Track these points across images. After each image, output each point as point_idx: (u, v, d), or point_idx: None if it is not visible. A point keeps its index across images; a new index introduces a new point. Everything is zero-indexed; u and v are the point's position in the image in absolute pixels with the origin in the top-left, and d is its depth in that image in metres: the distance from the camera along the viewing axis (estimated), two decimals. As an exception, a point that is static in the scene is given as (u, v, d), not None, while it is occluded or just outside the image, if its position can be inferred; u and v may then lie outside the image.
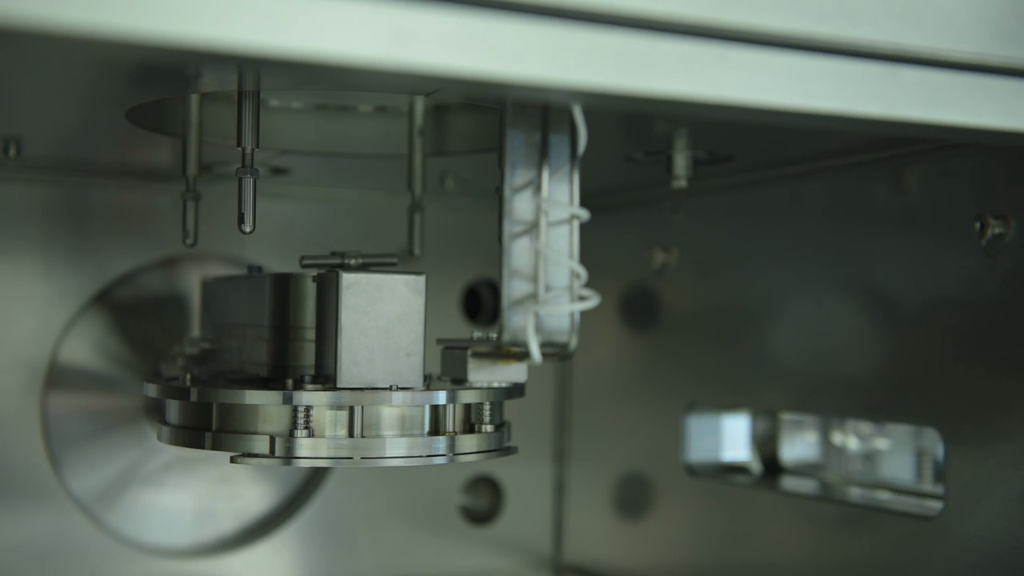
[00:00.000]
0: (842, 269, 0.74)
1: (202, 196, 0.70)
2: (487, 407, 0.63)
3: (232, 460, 0.61)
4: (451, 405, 0.62)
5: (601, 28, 0.43)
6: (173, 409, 0.66)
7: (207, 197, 0.71)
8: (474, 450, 0.62)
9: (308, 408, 0.59)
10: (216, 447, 0.62)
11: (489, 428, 0.63)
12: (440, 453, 0.61)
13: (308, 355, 0.65)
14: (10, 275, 0.83)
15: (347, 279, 0.61)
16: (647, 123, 0.65)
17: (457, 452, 0.61)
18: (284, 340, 0.66)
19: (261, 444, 0.60)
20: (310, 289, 0.65)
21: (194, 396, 0.63)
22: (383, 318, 0.61)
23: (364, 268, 0.63)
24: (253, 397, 0.60)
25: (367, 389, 0.60)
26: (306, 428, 0.59)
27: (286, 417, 0.60)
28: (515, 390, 0.64)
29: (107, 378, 0.87)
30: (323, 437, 0.60)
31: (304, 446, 0.59)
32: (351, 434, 0.60)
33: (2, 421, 0.83)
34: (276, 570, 0.90)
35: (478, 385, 0.62)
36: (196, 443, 0.63)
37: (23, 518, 0.83)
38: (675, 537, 0.88)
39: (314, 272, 0.64)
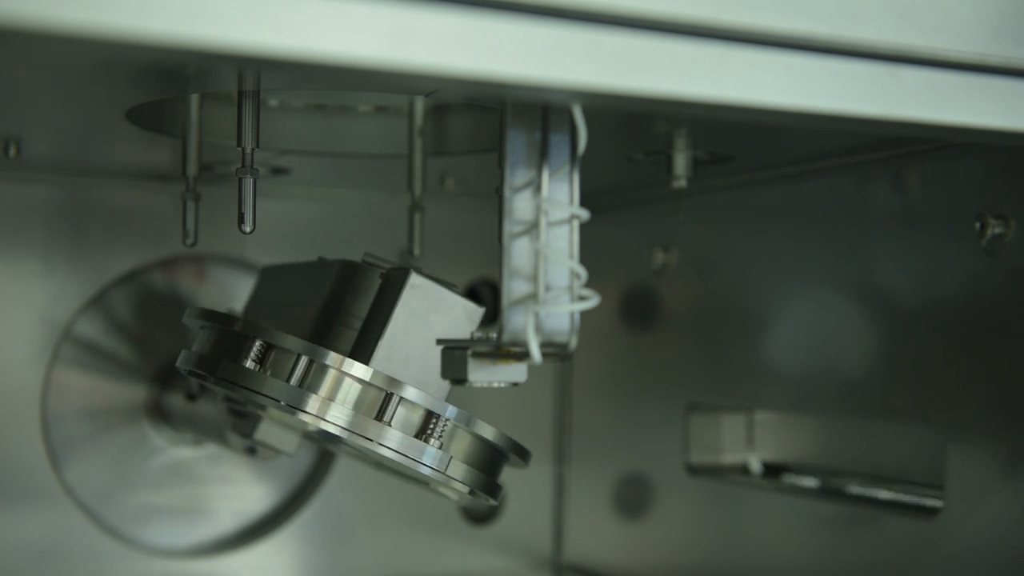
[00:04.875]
0: (842, 269, 0.74)
1: (202, 196, 0.70)
2: (487, 452, 0.62)
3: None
4: (460, 429, 0.61)
5: (601, 28, 0.43)
6: (203, 338, 0.64)
7: (207, 197, 0.71)
8: (461, 478, 0.60)
9: (326, 367, 0.59)
10: (227, 376, 0.61)
11: (482, 475, 0.62)
12: (429, 464, 0.59)
13: (347, 342, 0.64)
14: (10, 275, 0.83)
15: (415, 279, 0.62)
16: (647, 123, 0.65)
17: (447, 472, 0.60)
18: (330, 321, 0.65)
19: (274, 387, 0.59)
20: (374, 283, 0.65)
21: (236, 325, 0.61)
22: (431, 330, 0.61)
23: (432, 278, 0.63)
24: (282, 338, 0.59)
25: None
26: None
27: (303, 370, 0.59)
28: (519, 458, 0.63)
29: (107, 378, 0.87)
30: (333, 401, 0.59)
31: (313, 401, 0.58)
32: (357, 410, 0.59)
33: (2, 421, 0.83)
34: (276, 570, 0.90)
35: (487, 428, 0.61)
36: (210, 370, 0.62)
37: (23, 518, 0.83)
38: (675, 537, 0.88)
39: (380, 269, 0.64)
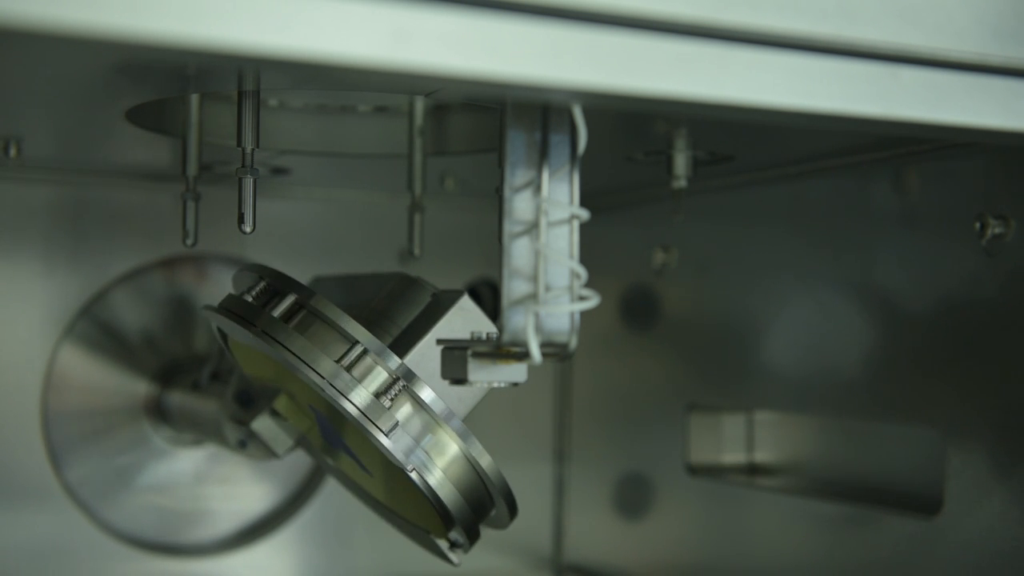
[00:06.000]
0: (842, 269, 0.74)
1: (202, 196, 0.70)
2: (484, 487, 0.61)
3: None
4: (464, 453, 0.61)
5: (601, 28, 0.43)
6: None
7: (207, 197, 0.71)
8: (449, 499, 0.60)
9: (364, 350, 0.59)
10: (266, 328, 0.60)
11: (465, 505, 0.62)
12: (415, 467, 0.59)
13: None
14: (10, 275, 0.83)
15: (466, 302, 0.62)
16: (647, 123, 0.65)
17: (436, 487, 0.60)
18: (371, 322, 0.64)
19: (302, 347, 0.59)
20: (423, 299, 0.65)
21: (293, 288, 0.61)
22: None
23: (482, 310, 0.64)
24: (324, 304, 0.59)
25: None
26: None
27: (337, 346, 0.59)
28: (507, 508, 0.63)
29: (107, 378, 0.87)
30: (357, 383, 0.59)
31: (343, 379, 0.59)
32: (376, 396, 0.59)
33: (2, 421, 0.83)
34: (276, 570, 0.90)
35: (491, 472, 0.61)
36: (251, 319, 0.61)
37: (23, 518, 0.83)
38: (675, 537, 0.88)
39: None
